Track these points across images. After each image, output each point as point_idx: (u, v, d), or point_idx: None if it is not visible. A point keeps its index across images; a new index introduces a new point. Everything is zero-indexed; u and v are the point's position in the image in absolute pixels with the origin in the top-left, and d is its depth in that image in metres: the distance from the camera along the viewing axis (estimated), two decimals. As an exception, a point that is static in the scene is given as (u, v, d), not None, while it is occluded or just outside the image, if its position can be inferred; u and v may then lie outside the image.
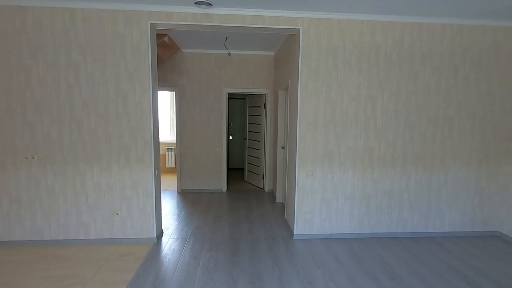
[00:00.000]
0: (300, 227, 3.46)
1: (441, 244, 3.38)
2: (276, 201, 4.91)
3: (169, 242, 3.33)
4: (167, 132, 7.38)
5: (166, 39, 4.23)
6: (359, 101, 3.36)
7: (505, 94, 3.45)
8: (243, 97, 7.68)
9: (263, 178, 5.65)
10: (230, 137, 7.74)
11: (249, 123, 6.07)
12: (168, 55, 4.98)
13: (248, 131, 6.10)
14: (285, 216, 4.08)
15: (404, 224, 3.56)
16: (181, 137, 5.35)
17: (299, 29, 3.22)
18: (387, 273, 2.73)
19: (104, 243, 3.27)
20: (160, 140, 7.15)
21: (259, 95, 5.60)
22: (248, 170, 6.21)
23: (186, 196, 5.15)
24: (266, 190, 5.58)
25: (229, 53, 4.74)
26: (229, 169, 7.75)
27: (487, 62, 3.40)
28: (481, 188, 3.56)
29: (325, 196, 3.44)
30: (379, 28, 3.27)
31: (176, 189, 5.63)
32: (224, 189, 5.51)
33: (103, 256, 2.98)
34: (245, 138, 6.31)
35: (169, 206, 4.63)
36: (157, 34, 4.04)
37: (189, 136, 5.36)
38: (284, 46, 4.35)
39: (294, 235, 3.47)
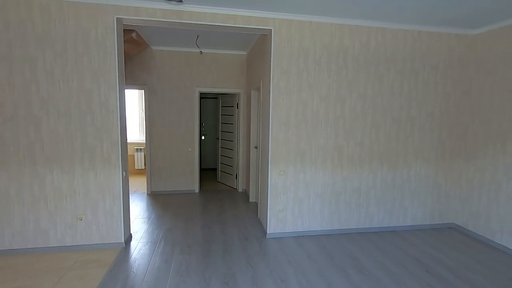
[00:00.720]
0: (273, 226, 3.49)
1: (404, 237, 3.58)
2: (250, 200, 4.91)
3: (139, 246, 3.20)
4: (136, 132, 7.09)
5: (134, 35, 4.05)
6: (329, 101, 3.46)
7: (458, 96, 3.74)
8: (215, 96, 7.60)
9: (236, 178, 5.62)
10: (203, 137, 7.62)
11: (221, 123, 6.01)
12: (136, 52, 4.78)
13: (221, 131, 6.04)
14: (258, 216, 4.09)
15: (370, 219, 3.72)
16: (151, 137, 5.16)
17: (271, 29, 3.24)
18: (356, 268, 2.83)
19: (67, 250, 3.06)
20: (128, 141, 6.86)
21: (232, 95, 5.56)
22: (221, 170, 6.15)
23: (157, 198, 4.98)
24: (240, 190, 5.56)
25: (200, 51, 4.66)
26: (202, 170, 7.63)
27: (443, 66, 3.66)
28: (439, 183, 3.83)
29: (297, 195, 3.50)
30: (347, 32, 3.39)
31: (146, 191, 5.42)
32: (197, 190, 5.41)
33: (65, 264, 2.78)
34: (217, 138, 6.25)
35: (138, 209, 4.45)
36: (124, 29, 3.86)
37: (159, 136, 5.19)
38: (256, 46, 4.36)
39: (267, 234, 3.49)
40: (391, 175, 3.70)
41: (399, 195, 3.75)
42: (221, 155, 6.08)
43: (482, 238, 3.51)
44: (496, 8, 2.87)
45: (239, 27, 3.16)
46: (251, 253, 3.08)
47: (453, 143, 3.80)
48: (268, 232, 3.48)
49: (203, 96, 7.53)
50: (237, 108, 5.41)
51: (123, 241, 3.18)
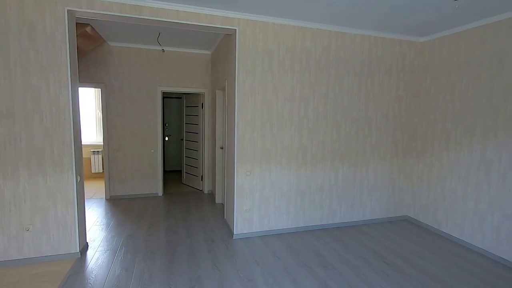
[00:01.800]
0: (240, 226, 3.48)
1: (364, 230, 3.79)
2: (216, 202, 4.85)
3: (96, 256, 2.98)
4: (93, 133, 6.63)
5: (88, 29, 3.78)
6: (293, 102, 3.54)
7: (409, 99, 4.06)
8: (179, 96, 7.39)
9: (202, 180, 5.52)
10: (166, 138, 7.36)
11: (186, 123, 5.86)
12: (92, 48, 4.47)
13: (185, 132, 5.89)
14: (225, 217, 4.05)
15: (333, 215, 3.88)
16: (109, 138, 4.86)
17: (236, 29, 3.23)
18: (321, 263, 2.93)
19: (11, 265, 2.76)
20: (84, 142, 6.39)
21: (196, 95, 5.45)
22: (186, 172, 6.00)
23: (117, 203, 4.70)
24: (205, 191, 5.46)
25: (162, 49, 4.49)
26: (166, 172, 7.37)
27: (396, 71, 3.94)
28: (393, 179, 4.12)
29: (263, 194, 3.53)
30: (309, 34, 3.50)
31: (104, 196, 5.09)
32: (160, 193, 5.21)
33: (10, 280, 2.50)
34: (182, 139, 6.08)
35: (96, 216, 4.16)
36: (78, 23, 3.59)
37: (118, 137, 4.91)
38: (221, 46, 4.32)
39: (234, 235, 3.47)
40: (351, 173, 3.89)
41: (358, 192, 3.96)
42: (186, 156, 5.93)
43: (431, 228, 3.84)
44: (438, 19, 3.16)
45: (203, 25, 3.10)
46: (217, 255, 3.04)
47: (405, 142, 4.11)
48: (235, 232, 3.47)
49: (166, 96, 7.28)
50: (202, 108, 5.31)
51: (78, 251, 2.94)
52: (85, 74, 4.68)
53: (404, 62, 3.96)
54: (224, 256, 3.01)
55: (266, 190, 3.54)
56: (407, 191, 4.20)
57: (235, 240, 3.40)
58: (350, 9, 2.96)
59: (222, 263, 2.88)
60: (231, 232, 3.58)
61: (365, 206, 4.02)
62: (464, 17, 3.09)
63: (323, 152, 3.73)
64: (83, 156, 6.38)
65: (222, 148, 4.66)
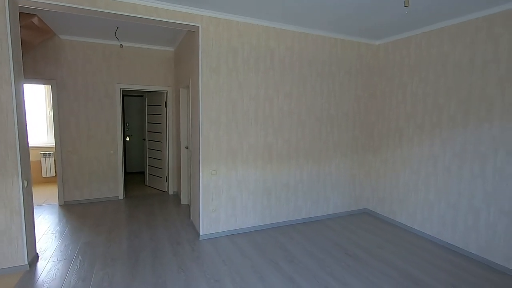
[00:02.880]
0: (206, 227, 3.43)
1: (327, 224, 3.94)
2: (181, 203, 4.72)
3: (48, 267, 2.74)
4: (44, 134, 6.09)
5: (35, 20, 3.46)
6: (258, 101, 3.56)
7: (367, 98, 4.30)
8: (141, 94, 7.06)
9: (166, 181, 5.34)
10: (127, 138, 7.00)
11: (148, 122, 5.62)
12: (40, 41, 4.09)
13: (148, 131, 5.65)
14: (191, 218, 3.96)
15: (299, 211, 3.98)
16: (62, 139, 4.49)
17: (198, 26, 3.16)
18: (287, 258, 2.99)
19: None
20: (33, 144, 5.85)
21: (159, 93, 5.25)
22: (149, 173, 5.76)
23: (72, 209, 4.37)
24: (170, 193, 5.29)
25: (121, 45, 4.25)
26: (127, 174, 7.01)
27: (354, 71, 4.15)
28: (354, 174, 4.34)
29: (230, 193, 3.51)
30: (273, 34, 3.54)
31: (57, 202, 4.70)
32: (121, 196, 4.94)
33: None
34: (144, 139, 5.82)
35: (47, 223, 3.82)
36: (22, 13, 3.26)
37: (73, 138, 4.56)
38: (184, 43, 4.21)
39: (200, 236, 3.40)
40: (315, 169, 4.02)
41: (322, 187, 4.11)
42: (149, 157, 5.69)
43: (387, 219, 4.11)
44: (391, 24, 3.38)
45: (163, 21, 2.99)
46: (183, 257, 2.96)
47: (364, 139, 4.35)
48: (201, 233, 3.40)
49: (126, 94, 6.92)
50: (166, 107, 5.13)
51: (26, 263, 2.68)
52: (33, 70, 4.28)
53: (361, 63, 4.18)
54: (190, 258, 2.94)
55: (232, 189, 3.52)
56: (366, 186, 4.45)
57: (202, 241, 3.34)
58: (305, 12, 3.05)
59: (188, 265, 2.81)
60: (197, 233, 3.51)
61: (328, 201, 4.18)
62: (414, 23, 3.35)
63: (288, 150, 3.81)
64: (33, 159, 5.84)
65: (187, 147, 4.55)
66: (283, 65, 3.65)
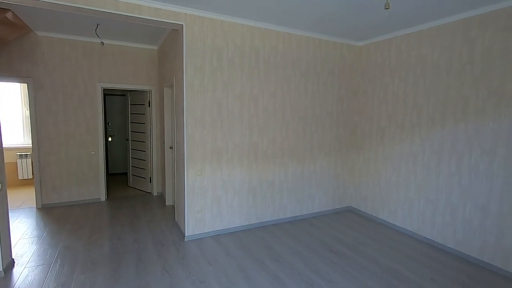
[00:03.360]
0: (192, 228, 3.39)
1: (312, 223, 3.99)
2: (166, 204, 4.65)
3: (25, 273, 2.63)
4: (20, 135, 5.83)
5: (9, 15, 3.30)
6: (243, 100, 3.55)
7: (350, 98, 4.38)
8: (123, 93, 6.90)
9: (150, 182, 5.24)
10: (109, 139, 6.82)
11: (131, 122, 5.49)
12: (15, 37, 3.91)
13: (131, 131, 5.52)
14: (176, 219, 3.91)
15: (284, 210, 4.01)
16: (39, 140, 4.32)
17: (182, 25, 3.12)
18: (272, 257, 3.01)
19: None
20: (8, 145, 5.60)
21: (143, 92, 5.14)
22: (132, 174, 5.63)
23: (51, 212, 4.21)
24: (155, 194, 5.20)
25: (102, 42, 4.13)
26: (110, 175, 6.83)
27: (338, 72, 4.22)
28: (338, 173, 4.41)
29: (215, 193, 3.49)
30: (258, 34, 3.55)
31: (35, 205, 4.52)
32: (103, 198, 4.81)
33: None
34: (127, 139, 5.68)
35: (24, 228, 3.66)
36: (-7, 7, 3.11)
37: (51, 138, 4.39)
38: (168, 41, 4.14)
39: (185, 237, 3.36)
40: (300, 168, 4.06)
41: (307, 186, 4.15)
42: (132, 157, 5.56)
43: (370, 217, 4.21)
44: (372, 26, 3.46)
45: (146, 19, 2.93)
46: (168, 259, 2.92)
47: (347, 138, 4.43)
48: (186, 234, 3.36)
49: (108, 93, 6.73)
50: (149, 106, 5.03)
51: (1, 269, 2.56)
52: (8, 67, 4.09)
53: (345, 64, 4.26)
54: (175, 260, 2.90)
55: (218, 189, 3.50)
56: (350, 184, 4.54)
57: (187, 242, 3.31)
58: (288, 12, 3.08)
59: (173, 267, 2.77)
60: (182, 234, 3.47)
61: (313, 200, 4.24)
62: (394, 25, 3.44)
63: (274, 149, 3.83)
64: (8, 161, 5.59)
65: (171, 148, 4.48)
66: (268, 65, 3.67)
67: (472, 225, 3.00)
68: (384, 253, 3.13)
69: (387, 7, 2.15)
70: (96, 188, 4.75)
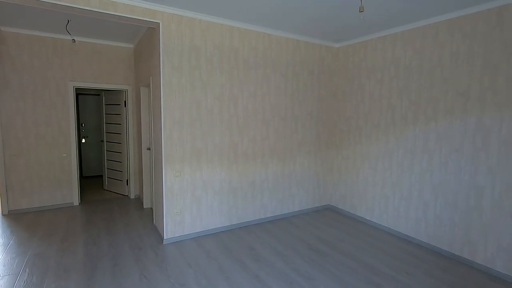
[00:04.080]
0: (171, 230, 3.33)
1: (292, 221, 4.05)
2: (144, 207, 4.54)
3: (-11, 284, 2.48)
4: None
5: (-31, 8, 3.09)
6: (223, 100, 3.54)
7: (329, 98, 4.48)
8: (97, 93, 6.65)
9: (127, 184, 5.09)
10: (83, 140, 6.56)
11: (106, 123, 5.31)
12: (-24, 32, 3.67)
13: (106, 132, 5.34)
14: (154, 222, 3.83)
15: (265, 210, 4.04)
16: (5, 142, 4.08)
17: (159, 23, 3.06)
18: (253, 257, 3.02)
19: None
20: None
21: (118, 92, 4.99)
22: (108, 177, 5.45)
23: (19, 219, 3.98)
24: (132, 196, 5.06)
25: (73, 39, 3.96)
26: (84, 178, 6.56)
27: (317, 72, 4.31)
28: (317, 171, 4.50)
29: (195, 194, 3.45)
30: (237, 34, 3.55)
31: (0, 212, 4.26)
32: (77, 202, 4.62)
33: None
34: (102, 140, 5.49)
35: (-12, 236, 3.45)
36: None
37: (19, 140, 4.16)
38: (145, 39, 4.04)
39: (164, 240, 3.30)
40: (280, 168, 4.10)
41: (287, 185, 4.21)
42: (107, 159, 5.38)
43: (349, 214, 4.33)
44: (349, 28, 3.57)
45: (121, 16, 2.85)
46: (146, 263, 2.85)
47: (327, 137, 4.53)
48: (165, 237, 3.30)
49: (81, 93, 6.47)
50: (125, 106, 4.89)
51: (-38, 282, 2.40)
52: (-32, 64, 3.83)
53: (323, 65, 4.35)
54: (153, 264, 2.84)
55: (197, 190, 3.46)
56: (329, 182, 4.64)
57: (166, 245, 3.25)
58: (269, 13, 3.11)
59: (151, 271, 2.71)
60: (161, 237, 3.40)
61: (294, 199, 4.29)
62: (369, 28, 3.56)
63: (254, 149, 3.84)
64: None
65: (149, 149, 4.38)
66: (248, 64, 3.68)
67: (442, 220, 3.17)
68: (361, 249, 3.23)
69: (361, 10, 2.23)
70: (69, 192, 4.55)
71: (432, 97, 3.22)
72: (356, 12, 3.08)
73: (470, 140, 2.92)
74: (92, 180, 6.41)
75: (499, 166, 2.72)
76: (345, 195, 4.39)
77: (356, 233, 3.68)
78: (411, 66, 3.41)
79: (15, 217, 4.05)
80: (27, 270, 2.70)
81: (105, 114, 5.32)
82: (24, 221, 3.89)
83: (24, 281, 2.52)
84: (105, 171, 5.50)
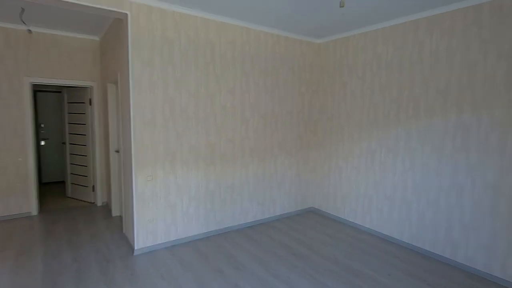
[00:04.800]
0: (142, 240, 3.23)
1: (274, 226, 4.06)
2: (113, 215, 4.37)
3: None
4: None
5: None
6: (199, 98, 3.49)
7: (310, 95, 4.55)
8: (59, 90, 6.35)
9: (93, 190, 4.89)
10: (42, 142, 6.23)
11: (69, 123, 5.08)
12: None
13: (69, 134, 5.10)
14: (124, 231, 3.70)
15: (245, 214, 4.02)
16: None
17: (127, 14, 2.96)
18: (232, 264, 2.99)
19: None
20: None
21: (82, 89, 4.78)
22: (72, 183, 5.21)
23: (-35, 232, 3.71)
24: (99, 204, 4.87)
25: (29, 30, 3.75)
26: (43, 184, 6.23)
27: (297, 69, 4.35)
28: (299, 172, 4.55)
29: (168, 200, 3.37)
30: (213, 27, 3.51)
31: None
32: (35, 212, 4.37)
33: None
34: (64, 143, 5.25)
35: None
36: None
37: (-35, 143, 3.87)
38: (111, 31, 3.90)
39: (135, 251, 3.20)
40: (261, 168, 4.10)
41: (268, 187, 4.21)
42: (71, 163, 5.14)
43: (331, 216, 4.41)
44: (330, 24, 3.64)
45: (83, 5, 2.72)
46: (114, 276, 2.75)
47: (308, 137, 4.59)
48: (136, 248, 3.20)
49: (40, 89, 6.14)
50: (90, 104, 4.70)
51: None
52: None
53: (304, 61, 4.41)
54: (122, 277, 2.74)
55: (171, 195, 3.39)
56: (312, 183, 4.71)
57: (137, 256, 3.15)
58: (247, 6, 3.11)
59: (121, 285, 2.61)
60: (131, 248, 3.29)
61: (275, 202, 4.31)
62: (350, 24, 3.65)
63: (233, 150, 3.82)
64: None
65: (117, 151, 4.24)
66: (225, 60, 3.65)
67: (424, 220, 3.30)
68: (343, 252, 3.30)
69: (342, 5, 2.28)
70: (26, 200, 4.30)
71: (413, 95, 3.35)
72: (336, 8, 3.14)
73: (450, 139, 3.06)
74: (53, 186, 6.10)
75: (478, 165, 2.87)
76: (328, 196, 4.47)
77: (339, 236, 3.75)
78: (393, 63, 3.53)
79: (-39, 230, 3.77)
80: (-25, 290, 2.52)
81: (68, 113, 5.09)
82: (-28, 235, 3.63)
83: (-29, 303, 2.34)
84: (68, 177, 5.25)
